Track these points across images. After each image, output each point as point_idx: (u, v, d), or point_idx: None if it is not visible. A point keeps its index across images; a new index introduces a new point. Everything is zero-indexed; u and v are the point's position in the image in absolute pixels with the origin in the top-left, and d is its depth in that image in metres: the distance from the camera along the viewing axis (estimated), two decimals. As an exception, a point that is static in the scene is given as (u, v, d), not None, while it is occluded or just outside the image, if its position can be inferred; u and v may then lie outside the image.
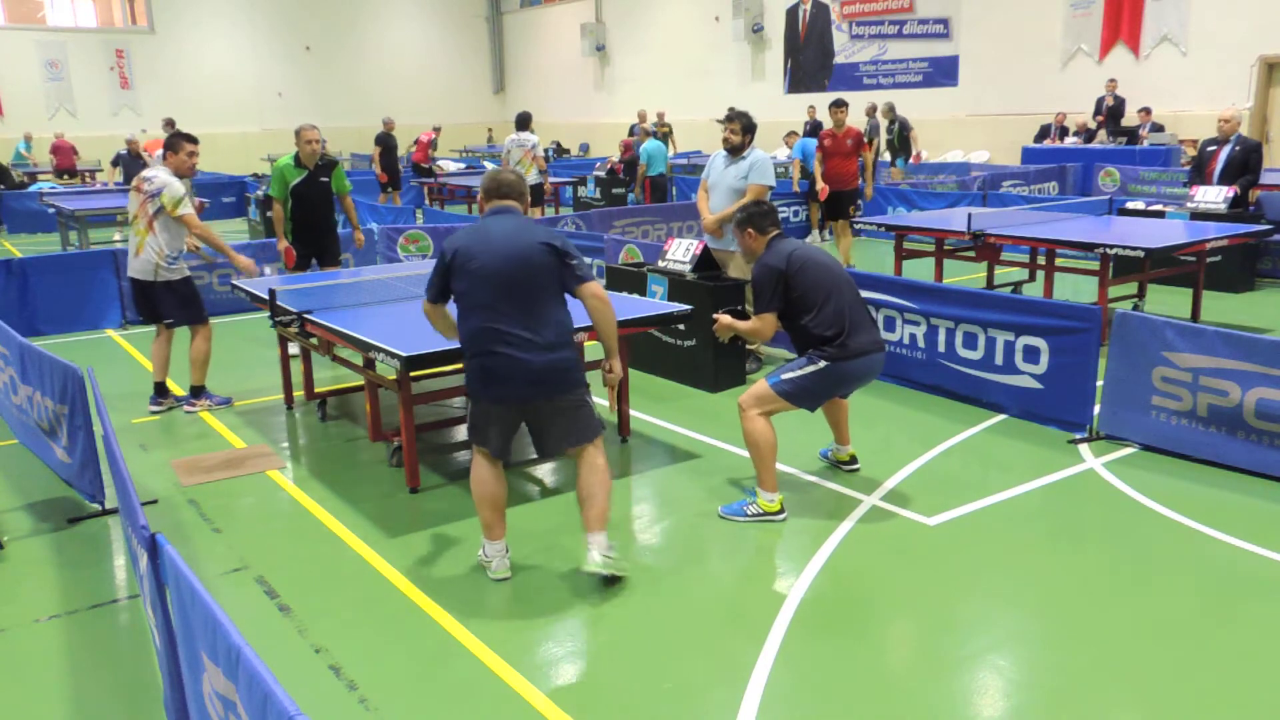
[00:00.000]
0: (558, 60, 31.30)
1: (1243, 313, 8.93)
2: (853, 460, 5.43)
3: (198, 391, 6.86)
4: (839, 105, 11.25)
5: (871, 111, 18.14)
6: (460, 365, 6.71)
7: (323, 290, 6.45)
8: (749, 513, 4.83)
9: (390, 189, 17.07)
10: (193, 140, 6.69)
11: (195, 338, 6.75)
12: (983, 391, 6.43)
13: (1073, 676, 3.48)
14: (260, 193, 14.21)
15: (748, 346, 7.26)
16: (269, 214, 9.44)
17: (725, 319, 4.92)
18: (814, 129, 20.66)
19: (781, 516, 4.82)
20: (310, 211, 7.94)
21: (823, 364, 4.68)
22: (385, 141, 17.17)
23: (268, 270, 7.59)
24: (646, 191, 16.16)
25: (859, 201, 11.62)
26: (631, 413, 6.27)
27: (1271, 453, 5.10)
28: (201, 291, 9.75)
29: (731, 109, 7.45)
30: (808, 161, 13.48)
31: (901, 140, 18.41)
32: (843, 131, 11.35)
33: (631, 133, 22.57)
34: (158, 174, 6.54)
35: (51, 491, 5.40)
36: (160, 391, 6.82)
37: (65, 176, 20.70)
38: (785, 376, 4.72)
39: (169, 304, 6.64)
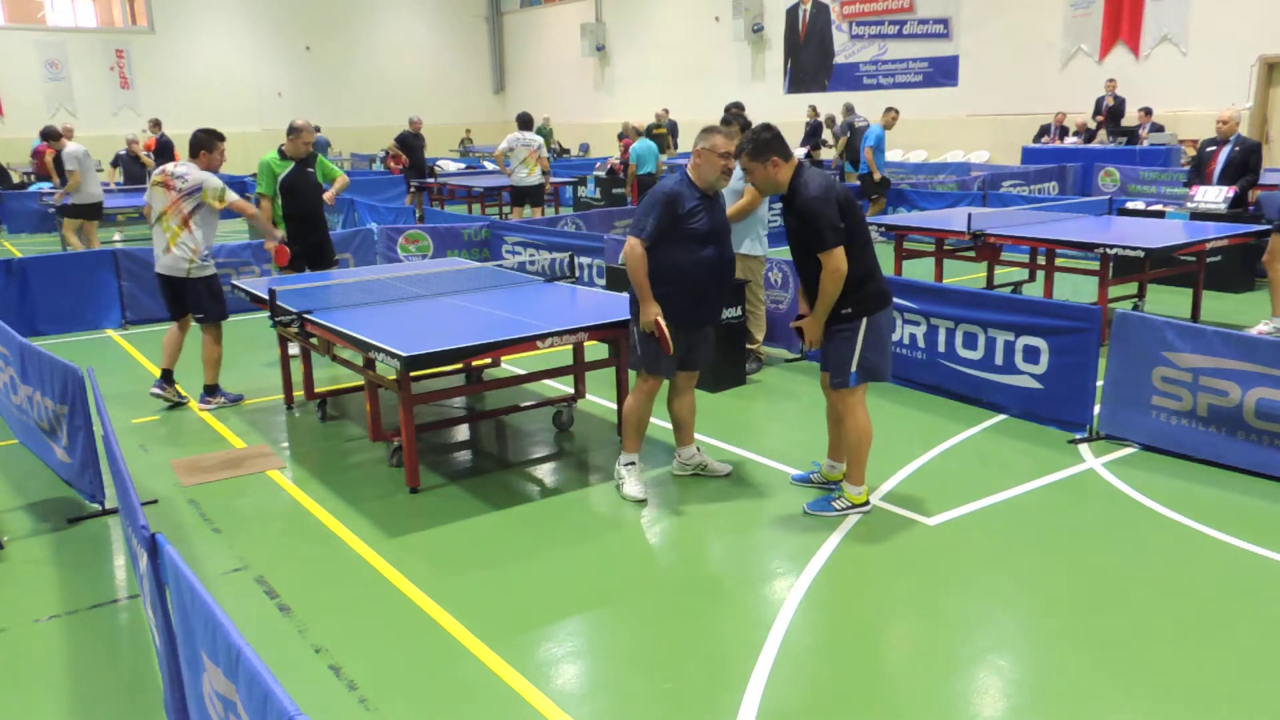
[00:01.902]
0: (558, 60, 31.29)
1: (1243, 313, 8.93)
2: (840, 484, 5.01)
3: (213, 390, 6.88)
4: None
5: (847, 113, 17.98)
6: (459, 366, 6.78)
7: (323, 290, 6.45)
8: (837, 507, 4.83)
9: (417, 190, 16.99)
10: (222, 138, 6.79)
11: (206, 338, 6.76)
12: (983, 391, 6.43)
13: (1073, 676, 3.48)
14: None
15: (748, 345, 7.26)
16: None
17: (809, 327, 4.65)
18: (815, 130, 20.64)
19: (868, 508, 4.85)
20: (303, 204, 7.86)
21: (864, 322, 4.58)
22: (408, 141, 17.11)
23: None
24: (634, 191, 16.16)
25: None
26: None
27: (1271, 453, 5.10)
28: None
29: (730, 108, 7.42)
30: (879, 151, 13.46)
31: (849, 145, 17.94)
32: None
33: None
34: (189, 171, 6.56)
35: (51, 491, 5.40)
36: (166, 378, 6.82)
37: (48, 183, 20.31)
38: (854, 368, 4.63)
39: (200, 299, 6.66)
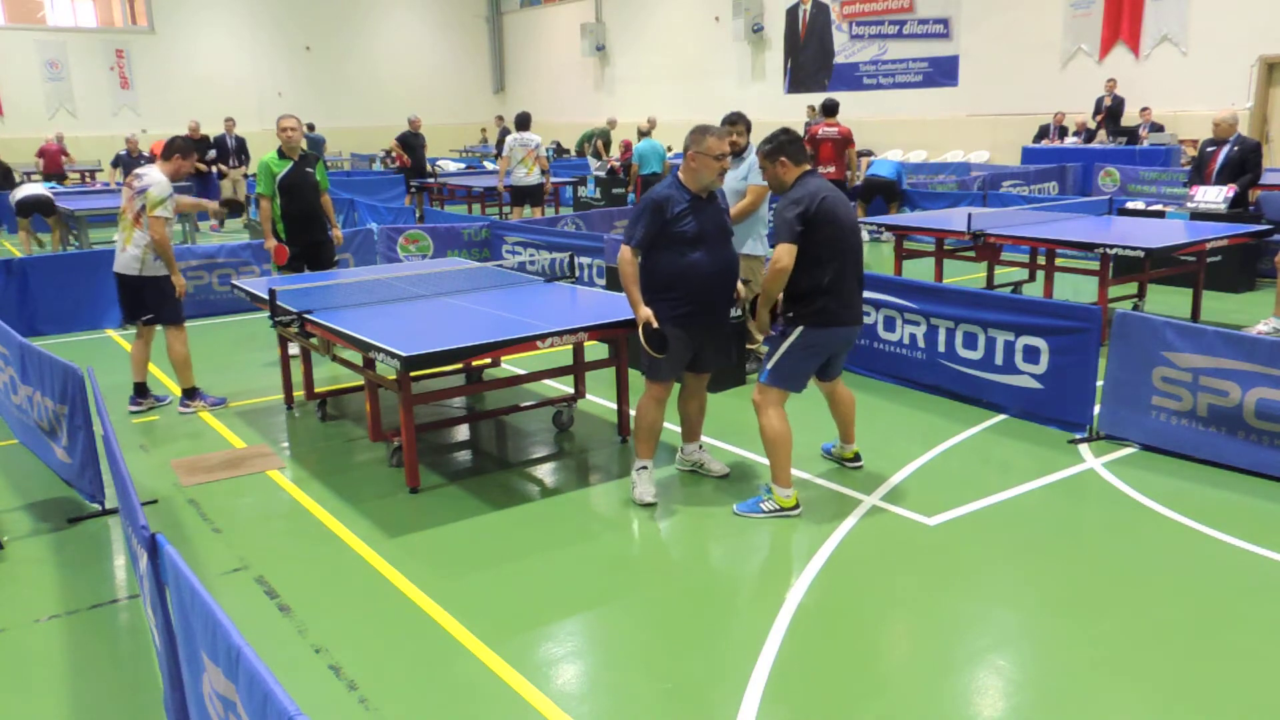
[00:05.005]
0: (558, 60, 31.28)
1: (1243, 313, 8.93)
2: (856, 458, 5.46)
3: (191, 393, 6.81)
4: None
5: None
6: (459, 366, 6.78)
7: (323, 290, 6.44)
8: (765, 509, 4.83)
9: (416, 190, 16.94)
10: (198, 154, 6.67)
11: (171, 341, 6.66)
12: (983, 391, 6.42)
13: (1073, 676, 3.48)
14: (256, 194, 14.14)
15: (748, 346, 7.26)
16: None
17: (759, 312, 4.87)
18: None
19: (797, 511, 4.84)
20: (301, 203, 7.82)
21: (798, 330, 4.71)
22: (409, 140, 17.07)
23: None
24: (638, 190, 16.19)
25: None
26: (631, 412, 6.27)
27: (1271, 453, 5.10)
28: (201, 291, 9.90)
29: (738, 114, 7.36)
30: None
31: None
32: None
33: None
34: (149, 172, 6.50)
35: (51, 491, 5.40)
36: (140, 392, 6.80)
37: (56, 181, 20.23)
38: (770, 365, 4.82)
39: (149, 299, 6.57)
